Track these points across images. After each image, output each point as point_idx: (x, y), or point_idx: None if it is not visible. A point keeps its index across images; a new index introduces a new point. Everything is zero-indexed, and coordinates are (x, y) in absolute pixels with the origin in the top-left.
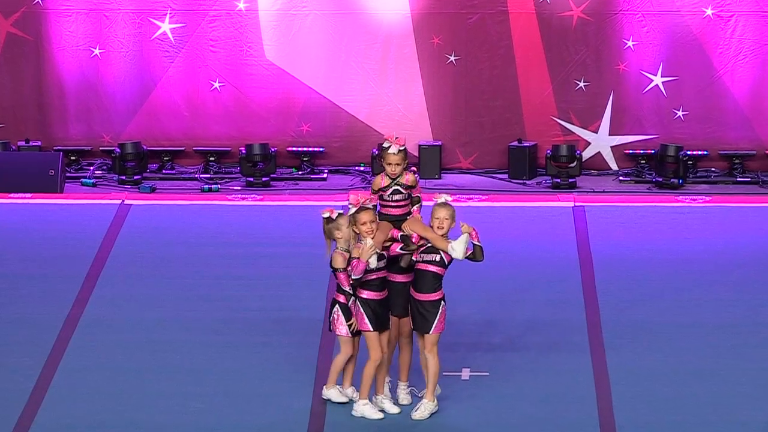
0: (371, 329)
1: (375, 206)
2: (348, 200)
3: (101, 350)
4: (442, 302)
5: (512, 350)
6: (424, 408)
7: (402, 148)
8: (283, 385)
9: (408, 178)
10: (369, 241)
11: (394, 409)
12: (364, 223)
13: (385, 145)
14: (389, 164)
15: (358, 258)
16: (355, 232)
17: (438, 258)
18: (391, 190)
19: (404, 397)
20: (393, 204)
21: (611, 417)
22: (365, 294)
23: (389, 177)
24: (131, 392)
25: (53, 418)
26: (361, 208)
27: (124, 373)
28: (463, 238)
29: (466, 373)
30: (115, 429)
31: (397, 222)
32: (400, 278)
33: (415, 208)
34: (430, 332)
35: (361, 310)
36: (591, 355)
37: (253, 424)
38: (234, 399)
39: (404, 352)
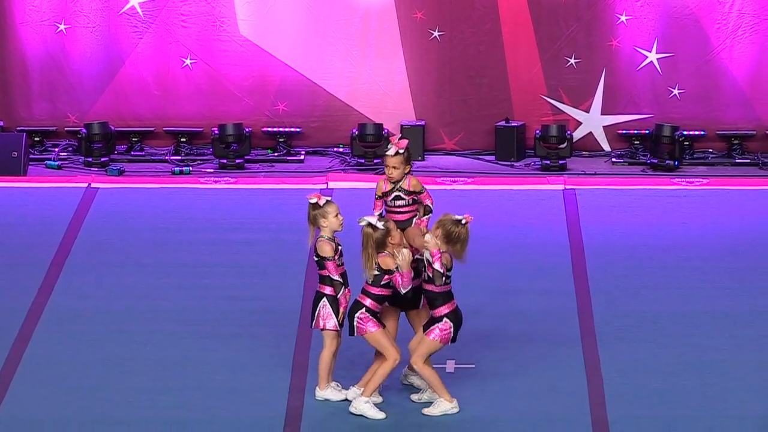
0: (381, 327)
1: (381, 214)
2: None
3: (67, 342)
4: (445, 318)
5: (500, 341)
6: (439, 406)
7: (401, 151)
8: (259, 378)
9: (410, 183)
10: (405, 251)
11: (376, 398)
12: (393, 239)
13: (387, 147)
14: (386, 167)
15: (396, 270)
16: (389, 242)
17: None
18: (392, 195)
19: (420, 382)
20: (396, 210)
21: (604, 412)
22: (368, 302)
23: (391, 182)
24: (99, 386)
25: (16, 413)
26: (383, 220)
27: (91, 366)
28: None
29: (451, 366)
30: (82, 424)
31: (402, 228)
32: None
33: (424, 218)
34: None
35: (366, 314)
36: (582, 346)
37: (226, 419)
38: (207, 393)
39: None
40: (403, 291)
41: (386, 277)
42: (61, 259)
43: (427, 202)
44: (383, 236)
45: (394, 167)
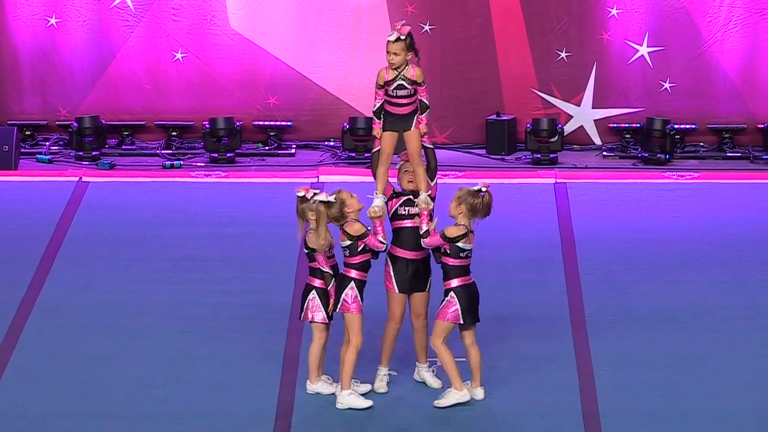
0: (360, 312)
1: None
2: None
3: (58, 336)
4: (451, 293)
5: (491, 335)
6: (449, 397)
7: (402, 36)
8: (250, 372)
9: (414, 72)
10: (379, 200)
11: (364, 387)
12: (351, 197)
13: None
14: (387, 53)
15: (368, 234)
16: (346, 213)
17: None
18: (395, 84)
19: (432, 380)
20: (397, 102)
21: (595, 405)
22: (354, 273)
23: (393, 69)
24: (90, 380)
25: (7, 407)
26: (333, 193)
27: (82, 360)
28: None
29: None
30: (74, 418)
31: (402, 122)
32: (407, 254)
33: (423, 116)
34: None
35: (355, 291)
36: (573, 340)
37: (218, 412)
38: (198, 387)
39: (418, 333)
40: (383, 248)
41: (359, 242)
42: (52, 253)
43: (423, 96)
44: (339, 209)
45: (395, 53)
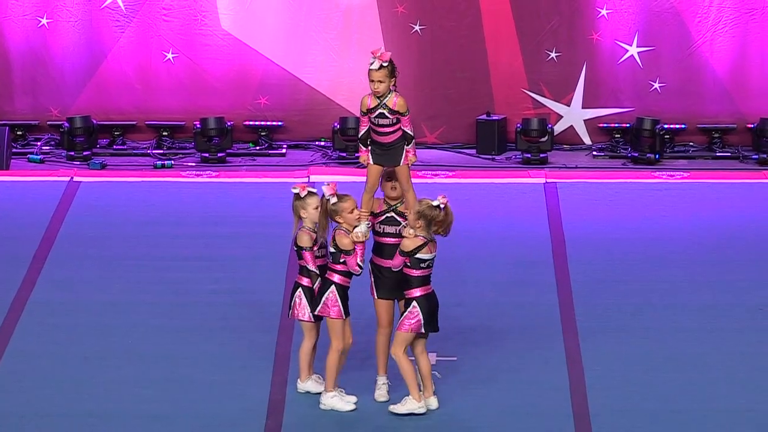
0: (342, 317)
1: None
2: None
3: (49, 335)
4: (414, 302)
5: (481, 334)
6: (407, 404)
7: (385, 63)
8: (241, 372)
9: (396, 102)
10: (363, 226)
11: (349, 398)
12: (351, 212)
13: (370, 61)
14: (371, 81)
15: (351, 252)
16: (338, 221)
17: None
18: (376, 113)
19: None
20: (379, 130)
21: (585, 404)
22: (337, 278)
23: (376, 97)
24: (81, 379)
25: None
26: (342, 197)
27: (74, 359)
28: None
29: (432, 358)
30: (65, 417)
31: (387, 151)
32: (387, 263)
33: (408, 147)
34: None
35: (335, 295)
36: (563, 339)
37: (209, 412)
38: (189, 386)
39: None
40: (359, 272)
41: (342, 256)
42: (44, 253)
43: (407, 128)
44: (335, 210)
45: (380, 81)
